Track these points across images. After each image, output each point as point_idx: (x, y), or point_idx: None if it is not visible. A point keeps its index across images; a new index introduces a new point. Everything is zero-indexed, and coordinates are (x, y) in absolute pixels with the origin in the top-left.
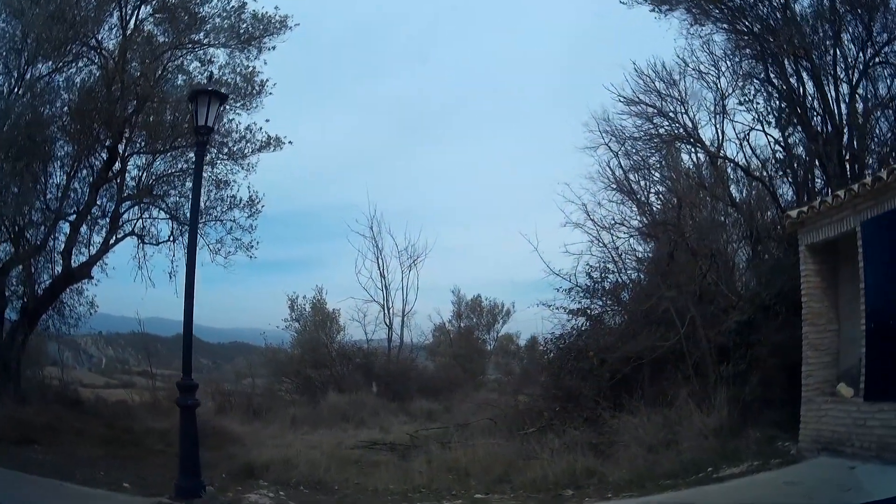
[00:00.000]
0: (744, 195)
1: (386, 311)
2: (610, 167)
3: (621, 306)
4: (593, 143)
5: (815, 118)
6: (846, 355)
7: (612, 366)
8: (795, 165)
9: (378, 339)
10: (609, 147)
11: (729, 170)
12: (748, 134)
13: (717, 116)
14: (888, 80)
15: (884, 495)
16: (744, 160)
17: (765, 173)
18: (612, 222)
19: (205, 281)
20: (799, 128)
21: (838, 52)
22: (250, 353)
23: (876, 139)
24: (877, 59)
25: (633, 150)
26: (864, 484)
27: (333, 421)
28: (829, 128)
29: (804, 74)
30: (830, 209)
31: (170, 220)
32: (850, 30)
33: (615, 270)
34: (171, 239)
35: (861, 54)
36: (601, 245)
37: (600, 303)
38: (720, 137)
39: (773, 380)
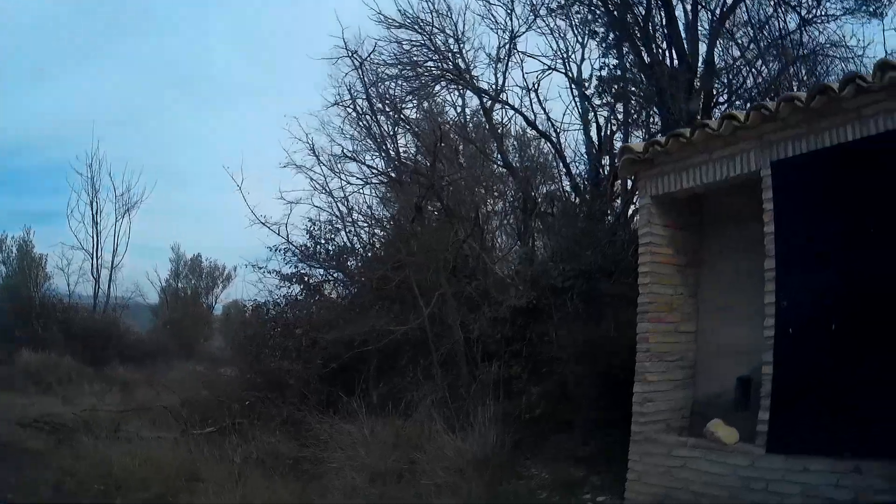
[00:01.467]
0: (525, 153)
1: (94, 262)
2: (351, 94)
3: (348, 275)
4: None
5: (655, 48)
6: (711, 373)
7: (326, 350)
8: (631, 104)
9: (87, 294)
10: (359, 72)
11: (510, 124)
12: (537, 84)
13: (501, 61)
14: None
15: None
16: (532, 111)
17: (554, 127)
18: (346, 159)
19: None
20: (629, 61)
21: None
22: None
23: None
24: None
25: (386, 86)
26: None
27: (24, 384)
28: (677, 61)
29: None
30: (709, 140)
31: None
32: None
33: (344, 229)
34: None
35: None
36: (328, 195)
37: (322, 269)
38: (501, 82)
39: (576, 394)
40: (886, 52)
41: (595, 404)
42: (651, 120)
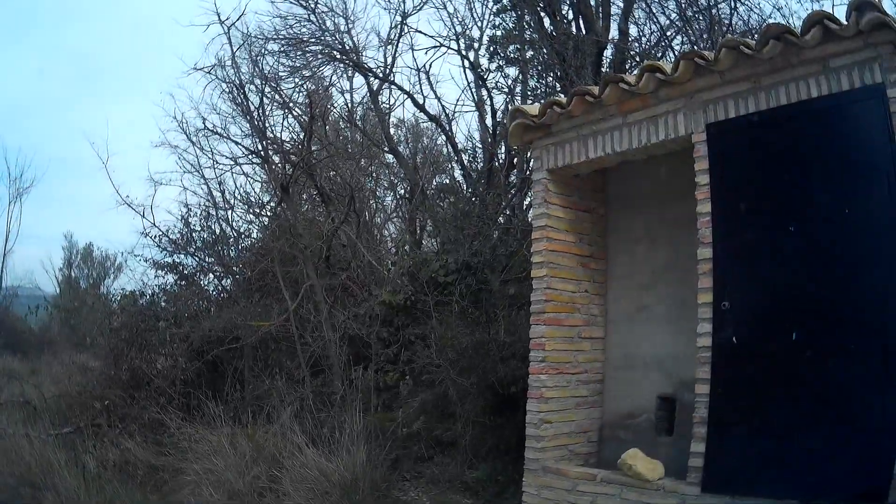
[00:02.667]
0: (418, 141)
1: None
2: (222, 65)
3: (222, 265)
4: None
5: (558, 16)
6: (623, 389)
7: (191, 347)
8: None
9: None
10: (226, 31)
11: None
12: (430, 63)
13: (392, 42)
14: None
15: None
16: (422, 94)
17: (445, 112)
18: (215, 135)
19: None
20: (528, 24)
21: None
22: None
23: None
24: None
25: (264, 61)
26: None
27: None
28: (585, 31)
29: None
30: (626, 98)
31: None
32: None
33: (216, 215)
34: None
35: None
36: (201, 175)
37: (196, 258)
38: (391, 63)
39: (462, 407)
40: None
41: (483, 421)
42: (553, 92)
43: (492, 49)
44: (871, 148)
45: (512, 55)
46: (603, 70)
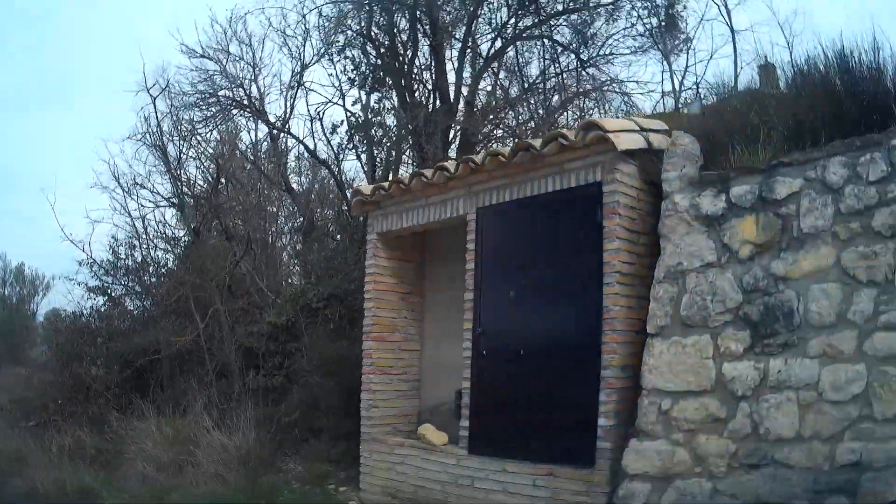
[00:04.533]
0: (308, 179)
1: None
2: (149, 123)
3: (144, 289)
4: (142, 98)
5: (420, 88)
6: (434, 387)
7: (124, 358)
8: (390, 141)
9: None
10: (152, 99)
11: (293, 153)
12: (323, 110)
13: (292, 88)
14: (543, 57)
15: None
16: (313, 141)
17: (344, 149)
18: (139, 186)
19: None
20: (396, 99)
21: (482, 13)
22: None
23: (509, 123)
24: (539, 32)
25: (185, 113)
26: None
27: None
28: (441, 104)
29: (419, 35)
30: (427, 187)
31: None
32: None
33: (140, 247)
34: None
35: (515, 20)
36: (128, 214)
37: (123, 282)
38: (288, 112)
39: (324, 402)
40: (674, 86)
41: (339, 412)
42: (412, 156)
43: (351, 133)
44: (586, 224)
45: (366, 135)
46: (451, 136)
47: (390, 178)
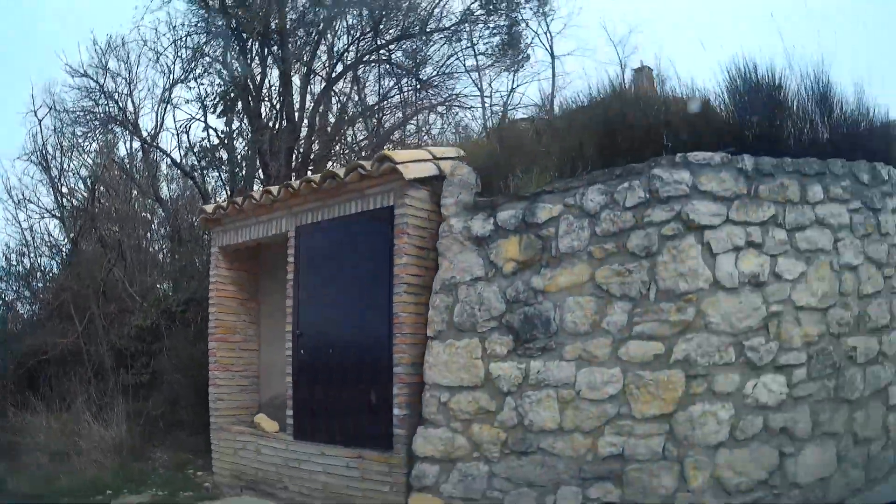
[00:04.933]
0: (175, 190)
1: None
2: (34, 140)
3: (32, 294)
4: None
5: (268, 110)
6: (271, 382)
7: (17, 358)
8: (239, 160)
9: None
10: (38, 121)
11: (164, 162)
12: (188, 126)
13: (163, 103)
14: (381, 81)
15: None
16: (180, 154)
17: (198, 169)
18: (25, 199)
19: None
20: (246, 120)
21: (325, 40)
22: None
23: (349, 142)
24: (377, 57)
25: (69, 129)
26: None
27: None
28: (285, 122)
29: (270, 60)
30: (257, 207)
31: None
32: (351, 20)
33: (29, 255)
34: None
35: (355, 47)
36: (18, 225)
37: (14, 288)
38: (159, 126)
39: (181, 398)
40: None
41: (197, 406)
42: (257, 175)
43: (200, 156)
44: (382, 242)
45: (212, 159)
46: (295, 154)
47: (243, 193)
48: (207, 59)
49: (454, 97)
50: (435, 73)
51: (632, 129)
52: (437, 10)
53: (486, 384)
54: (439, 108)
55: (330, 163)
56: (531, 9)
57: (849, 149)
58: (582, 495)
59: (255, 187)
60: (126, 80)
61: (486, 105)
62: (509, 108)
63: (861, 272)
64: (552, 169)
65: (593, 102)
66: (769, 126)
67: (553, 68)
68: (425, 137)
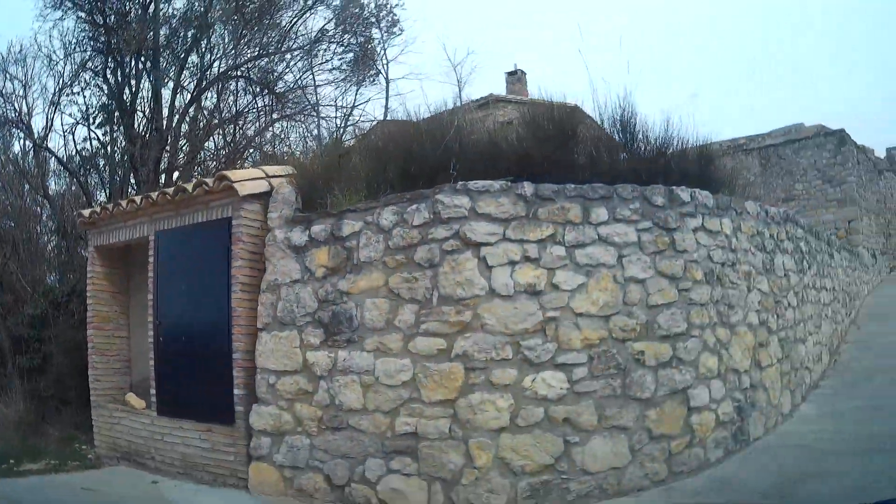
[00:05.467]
0: (62, 190)
1: None
2: None
3: None
4: None
5: (141, 121)
6: (141, 365)
7: None
8: (117, 166)
9: None
10: None
11: (52, 162)
12: (74, 128)
13: (52, 106)
14: (236, 95)
15: None
16: (66, 155)
17: (83, 171)
18: None
19: None
20: (122, 129)
21: (192, 59)
22: None
23: (210, 153)
24: (235, 73)
25: None
26: (170, 499)
27: None
28: (154, 132)
29: (145, 75)
30: (124, 213)
31: None
32: (214, 39)
33: None
34: None
35: (219, 65)
36: None
37: None
38: (48, 127)
39: (68, 379)
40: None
41: (80, 386)
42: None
43: (80, 163)
44: (222, 247)
45: (91, 165)
46: (162, 162)
47: (116, 198)
48: (90, 72)
49: (308, 108)
50: (290, 86)
51: (426, 158)
52: (295, 28)
53: (304, 369)
54: (296, 118)
55: (197, 169)
56: (382, 29)
57: (661, 172)
58: (385, 467)
59: (131, 191)
60: (22, 83)
61: (337, 116)
62: (350, 123)
63: (650, 285)
64: (361, 189)
65: (395, 132)
66: (563, 154)
67: (387, 91)
68: (280, 146)
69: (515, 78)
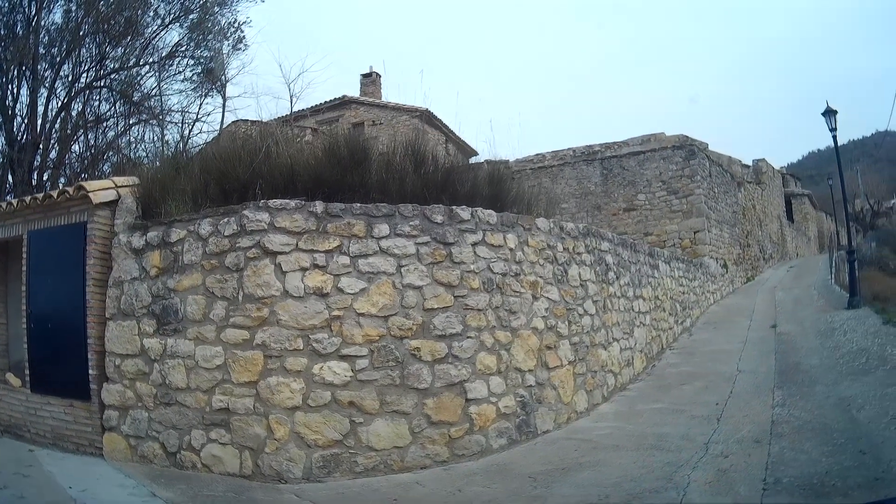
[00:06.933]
0: None
1: None
2: None
3: None
4: None
5: (20, 126)
6: (17, 348)
7: None
8: None
9: None
10: None
11: None
12: None
13: None
14: (100, 103)
15: (63, 478)
16: None
17: None
18: None
19: None
20: (4, 133)
21: (65, 68)
22: None
23: (76, 155)
24: (101, 83)
25: None
26: (42, 465)
27: None
28: (29, 137)
29: (24, 83)
30: (2, 214)
31: None
32: (86, 51)
33: None
34: None
35: (87, 75)
36: None
37: None
38: None
39: None
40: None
41: None
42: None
43: None
44: (80, 247)
45: None
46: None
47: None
48: None
49: (162, 114)
50: (146, 95)
51: (238, 178)
52: (153, 42)
53: (142, 353)
54: (150, 123)
55: (66, 171)
56: (229, 45)
57: (448, 193)
58: (206, 437)
59: (8, 193)
60: None
61: (184, 122)
62: (195, 134)
63: (426, 291)
64: (189, 202)
65: (219, 151)
66: (356, 176)
67: (224, 108)
68: (135, 149)
69: (370, 80)
